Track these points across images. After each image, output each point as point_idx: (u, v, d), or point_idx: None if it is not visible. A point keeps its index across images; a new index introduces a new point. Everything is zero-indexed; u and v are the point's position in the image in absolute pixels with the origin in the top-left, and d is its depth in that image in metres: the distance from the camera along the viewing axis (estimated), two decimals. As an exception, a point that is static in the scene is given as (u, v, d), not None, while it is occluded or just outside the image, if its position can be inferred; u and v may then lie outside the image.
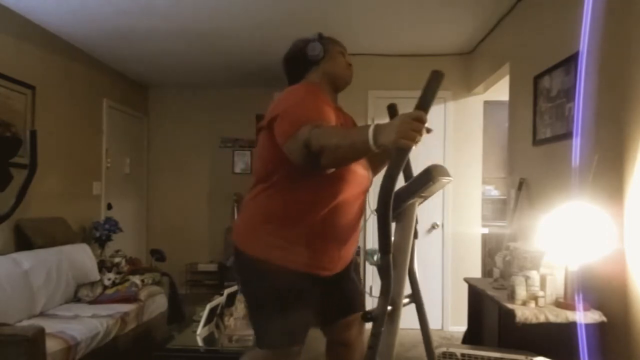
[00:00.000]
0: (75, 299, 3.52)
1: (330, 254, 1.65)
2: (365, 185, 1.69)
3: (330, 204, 1.58)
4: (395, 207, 1.41)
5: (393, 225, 1.47)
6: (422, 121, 1.16)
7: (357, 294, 1.87)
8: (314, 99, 1.57)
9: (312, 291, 1.65)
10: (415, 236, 1.53)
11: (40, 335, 2.32)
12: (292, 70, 1.80)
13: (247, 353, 1.76)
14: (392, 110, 1.71)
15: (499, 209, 4.94)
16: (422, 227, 4.33)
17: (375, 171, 1.80)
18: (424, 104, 1.16)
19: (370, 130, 1.24)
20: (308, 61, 1.74)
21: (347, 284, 1.81)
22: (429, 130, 1.25)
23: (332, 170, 1.50)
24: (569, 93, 2.48)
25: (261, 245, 1.61)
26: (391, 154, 1.21)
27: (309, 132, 1.39)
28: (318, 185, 1.56)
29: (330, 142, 1.36)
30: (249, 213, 1.69)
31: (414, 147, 1.18)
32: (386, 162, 1.72)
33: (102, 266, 3.81)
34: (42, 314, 3.14)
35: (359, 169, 1.64)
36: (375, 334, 1.31)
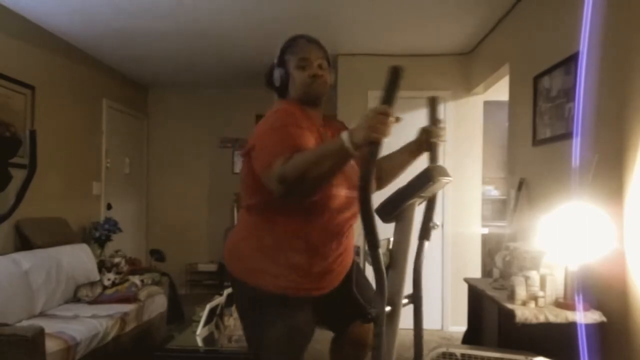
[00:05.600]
0: (75, 299, 3.52)
1: (321, 275, 1.61)
2: (352, 205, 1.62)
3: (314, 230, 1.56)
4: (395, 208, 1.41)
5: (392, 225, 1.48)
6: (387, 114, 1.22)
7: (363, 292, 1.80)
8: (286, 126, 1.53)
9: (302, 314, 1.61)
10: (427, 237, 1.52)
11: (39, 335, 2.32)
12: (276, 92, 1.78)
13: None
14: (433, 103, 1.63)
15: (499, 209, 4.94)
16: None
17: (384, 184, 1.78)
18: (387, 99, 1.24)
19: (345, 134, 1.30)
20: (280, 88, 1.72)
21: (353, 286, 1.78)
22: (398, 120, 1.28)
23: (316, 196, 1.49)
24: (569, 93, 2.48)
25: (248, 269, 1.61)
26: (366, 149, 1.26)
27: (281, 167, 1.39)
28: (300, 211, 1.54)
29: (306, 164, 1.37)
30: (237, 237, 1.69)
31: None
32: (398, 173, 1.71)
33: (102, 266, 3.81)
34: (41, 314, 3.14)
35: (341, 191, 1.58)
36: (378, 334, 1.31)
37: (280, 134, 1.50)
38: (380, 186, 1.78)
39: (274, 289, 1.56)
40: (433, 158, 1.59)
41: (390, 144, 1.48)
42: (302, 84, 1.64)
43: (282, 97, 1.73)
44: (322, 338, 1.90)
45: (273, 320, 1.58)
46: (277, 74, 1.69)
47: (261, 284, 1.58)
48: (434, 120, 1.60)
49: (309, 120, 1.63)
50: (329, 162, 1.36)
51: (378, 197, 1.52)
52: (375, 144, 1.24)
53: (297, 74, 1.65)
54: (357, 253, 1.84)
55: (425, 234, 1.52)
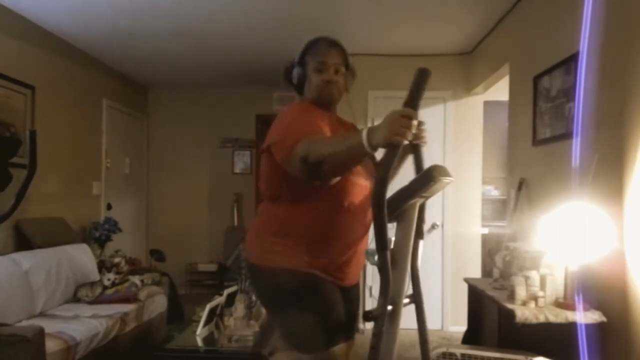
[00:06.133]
0: (75, 299, 3.52)
1: (338, 264, 1.65)
2: (366, 194, 1.68)
3: (333, 217, 1.60)
4: (396, 208, 1.41)
5: (393, 225, 1.48)
6: (411, 118, 1.21)
7: (354, 319, 1.83)
8: (306, 116, 1.62)
9: (332, 289, 1.63)
10: (421, 237, 1.53)
11: (39, 335, 2.32)
12: (294, 89, 1.84)
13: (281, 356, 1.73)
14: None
15: (499, 209, 4.94)
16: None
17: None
18: (412, 101, 1.22)
19: (364, 133, 1.29)
20: (296, 85, 1.79)
21: (347, 310, 1.76)
22: (420, 124, 1.29)
23: (336, 180, 1.54)
24: (569, 93, 2.48)
25: (270, 254, 1.64)
26: (385, 151, 1.25)
27: (304, 146, 1.45)
28: (319, 199, 1.59)
29: (326, 150, 1.42)
30: (257, 226, 1.75)
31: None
32: (399, 167, 1.72)
33: (102, 266, 3.81)
34: (41, 314, 3.14)
35: (360, 180, 1.65)
36: (376, 333, 1.31)
37: (299, 123, 1.57)
38: None
39: (300, 268, 1.59)
40: (417, 159, 1.58)
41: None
42: (317, 87, 1.71)
43: (299, 94, 1.81)
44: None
45: (305, 293, 1.58)
46: (296, 72, 1.75)
47: (287, 265, 1.60)
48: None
49: (324, 117, 1.69)
50: (346, 155, 1.40)
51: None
52: (394, 147, 1.21)
53: (314, 77, 1.71)
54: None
55: (419, 233, 1.53)
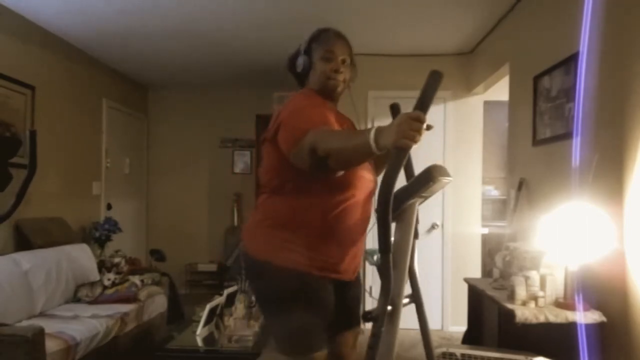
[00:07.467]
0: (75, 299, 3.52)
1: (339, 258, 1.64)
2: (370, 188, 1.69)
3: (337, 209, 1.59)
4: (395, 208, 1.41)
5: (393, 225, 1.48)
6: (421, 121, 1.17)
7: (358, 307, 1.85)
8: (314, 105, 1.60)
9: (326, 291, 1.63)
10: (416, 236, 1.53)
11: (39, 335, 2.32)
12: (296, 79, 1.82)
13: (266, 356, 1.73)
14: (394, 109, 1.70)
15: (499, 209, 4.94)
16: (422, 227, 4.30)
17: (378, 172, 1.81)
18: (423, 104, 1.18)
19: (372, 133, 1.26)
20: (300, 74, 1.76)
21: (352, 297, 1.79)
22: (429, 127, 1.26)
23: (341, 173, 1.53)
24: (569, 93, 2.48)
25: (269, 248, 1.62)
26: (391, 154, 1.22)
27: (313, 137, 1.42)
28: (325, 191, 1.57)
29: (333, 145, 1.39)
30: (257, 218, 1.71)
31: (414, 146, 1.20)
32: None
33: (102, 266, 3.82)
34: (41, 314, 3.14)
35: (365, 173, 1.64)
36: (375, 334, 1.31)
37: (308, 112, 1.55)
38: None
39: (298, 267, 1.57)
40: (407, 161, 1.58)
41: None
42: (323, 76, 1.68)
43: (300, 84, 1.78)
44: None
45: (296, 296, 1.57)
46: (301, 60, 1.72)
47: (284, 262, 1.58)
48: None
49: (329, 108, 1.68)
50: (352, 153, 1.38)
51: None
52: (402, 150, 1.18)
53: (320, 65, 1.69)
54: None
55: (414, 232, 1.53)
